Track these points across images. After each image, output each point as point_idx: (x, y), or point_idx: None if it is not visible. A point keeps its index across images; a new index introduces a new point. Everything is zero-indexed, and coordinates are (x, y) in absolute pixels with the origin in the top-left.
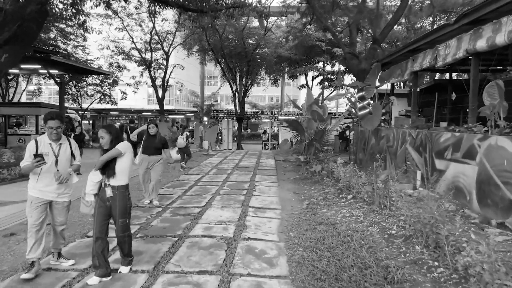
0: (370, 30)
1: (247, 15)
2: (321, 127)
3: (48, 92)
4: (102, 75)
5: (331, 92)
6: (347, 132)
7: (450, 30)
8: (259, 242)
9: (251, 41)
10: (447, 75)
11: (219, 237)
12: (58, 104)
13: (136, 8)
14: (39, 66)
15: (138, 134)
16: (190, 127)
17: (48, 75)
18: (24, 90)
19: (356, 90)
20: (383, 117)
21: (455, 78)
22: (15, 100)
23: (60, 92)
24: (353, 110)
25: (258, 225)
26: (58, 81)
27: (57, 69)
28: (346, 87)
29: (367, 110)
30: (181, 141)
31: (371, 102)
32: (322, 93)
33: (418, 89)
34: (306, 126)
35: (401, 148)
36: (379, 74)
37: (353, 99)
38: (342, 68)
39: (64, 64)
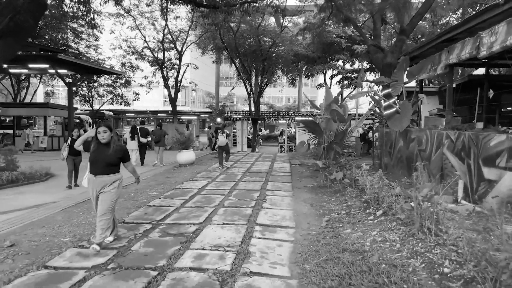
0: (395, 23)
1: (263, 11)
2: (341, 128)
3: (65, 93)
4: (114, 75)
5: (351, 92)
6: (369, 134)
7: (498, 12)
8: (264, 279)
9: (266, 39)
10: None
11: (211, 270)
12: (66, 105)
13: (147, 5)
14: (47, 66)
15: (85, 141)
16: (206, 129)
17: (56, 75)
18: (36, 91)
19: (381, 87)
20: (411, 117)
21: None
22: (27, 101)
23: (69, 93)
24: (377, 109)
25: (265, 251)
26: (68, 81)
27: (66, 68)
28: (369, 84)
29: (394, 109)
30: (222, 139)
31: (398, 100)
32: (341, 93)
33: (444, 88)
34: (324, 127)
35: (437, 152)
36: (407, 69)
37: (377, 97)
38: (365, 64)
39: (72, 64)
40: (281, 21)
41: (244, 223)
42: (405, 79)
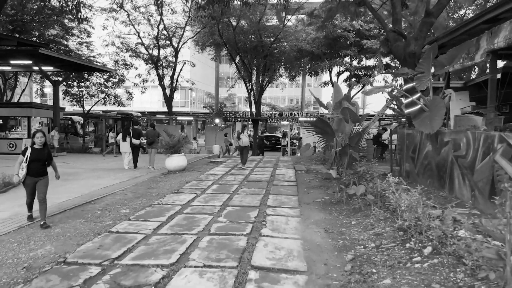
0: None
1: (264, 2)
2: (357, 129)
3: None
4: (106, 74)
5: (359, 90)
6: (383, 135)
7: None
8: None
9: (268, 34)
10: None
11: None
12: (52, 104)
13: None
14: (30, 62)
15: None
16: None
17: (40, 72)
18: (24, 90)
19: (402, 80)
20: None
21: None
22: (16, 101)
23: (54, 92)
24: (395, 107)
25: None
26: (57, 79)
27: (51, 65)
28: (386, 77)
29: (418, 106)
30: (246, 139)
31: (424, 96)
32: (349, 91)
33: (475, 82)
34: (336, 128)
35: (484, 160)
36: (436, 59)
37: (395, 92)
38: (383, 59)
39: (58, 60)
40: (283, 14)
41: (234, 265)
42: (433, 70)
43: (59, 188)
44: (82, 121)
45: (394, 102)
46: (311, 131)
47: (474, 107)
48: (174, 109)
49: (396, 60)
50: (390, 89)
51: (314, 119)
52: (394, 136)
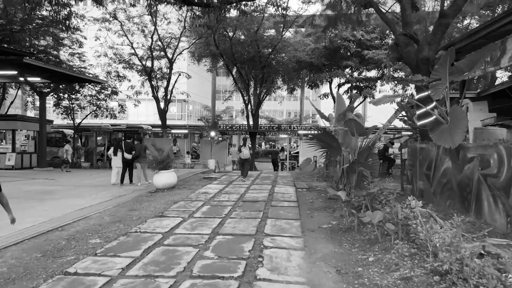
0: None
1: (262, 11)
2: (366, 143)
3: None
4: (99, 85)
5: (360, 103)
6: (389, 150)
7: None
8: None
9: (266, 44)
10: None
11: None
12: (38, 117)
13: (132, 5)
14: (15, 72)
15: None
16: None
17: (26, 83)
18: (12, 102)
19: (413, 90)
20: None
21: None
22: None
23: (40, 104)
24: (405, 118)
25: None
26: (47, 90)
27: (38, 76)
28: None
29: (433, 118)
30: (246, 152)
31: (440, 106)
32: (352, 102)
33: (490, 92)
34: (341, 141)
35: None
36: (453, 65)
37: (405, 101)
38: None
39: (45, 70)
40: (281, 26)
41: None
42: (449, 78)
43: (27, 211)
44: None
45: (404, 113)
46: (314, 145)
47: (498, 118)
48: (171, 122)
49: (400, 70)
50: (400, 99)
51: (316, 131)
52: (405, 151)
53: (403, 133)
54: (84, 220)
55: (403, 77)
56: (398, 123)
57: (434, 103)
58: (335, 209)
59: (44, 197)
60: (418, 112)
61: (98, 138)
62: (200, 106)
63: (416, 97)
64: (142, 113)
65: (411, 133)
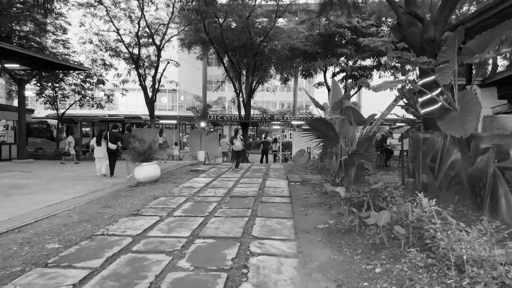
0: None
1: None
2: (366, 132)
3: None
4: (83, 73)
5: (355, 92)
6: (387, 141)
7: None
8: None
9: (258, 30)
10: None
11: None
12: (16, 106)
13: None
14: None
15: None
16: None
17: (3, 70)
18: None
19: (417, 73)
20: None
21: None
22: None
23: (19, 92)
24: (405, 105)
25: None
26: (27, 78)
27: (17, 62)
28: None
29: (439, 104)
30: (239, 143)
31: (446, 92)
32: (349, 91)
33: (496, 79)
34: (339, 131)
35: None
36: (463, 46)
37: (408, 88)
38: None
39: (23, 56)
40: (274, 14)
41: None
42: (458, 60)
43: None
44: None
45: (405, 101)
46: (309, 135)
47: (510, 105)
48: (162, 113)
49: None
50: (401, 85)
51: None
52: (406, 141)
53: (397, 124)
54: (48, 219)
55: (404, 63)
56: (399, 112)
57: (439, 89)
58: (332, 206)
59: (12, 192)
60: (421, 99)
61: (87, 129)
62: (191, 97)
63: (420, 82)
64: (132, 104)
65: (406, 123)
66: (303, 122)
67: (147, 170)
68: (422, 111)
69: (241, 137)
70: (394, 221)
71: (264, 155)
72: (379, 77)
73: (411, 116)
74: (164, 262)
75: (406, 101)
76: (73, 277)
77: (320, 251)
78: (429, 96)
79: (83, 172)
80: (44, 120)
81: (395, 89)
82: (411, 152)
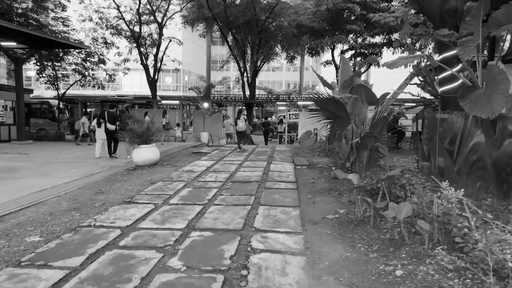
0: None
1: None
2: (381, 113)
3: (29, 74)
4: (84, 52)
5: (365, 71)
6: (400, 122)
7: None
8: None
9: (263, 6)
10: None
11: None
12: (14, 85)
13: None
14: None
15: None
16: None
17: None
18: None
19: (434, 48)
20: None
21: None
22: None
23: (16, 71)
24: (421, 83)
25: None
26: (17, 56)
27: (13, 40)
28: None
29: (459, 82)
30: (242, 124)
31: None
32: (359, 69)
33: None
34: (350, 111)
35: None
36: (490, 16)
37: (424, 63)
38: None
39: (18, 33)
40: None
41: None
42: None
43: None
44: (60, 105)
45: (421, 78)
46: (317, 115)
47: None
48: (166, 93)
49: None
50: (417, 61)
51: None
52: (422, 122)
53: (405, 104)
54: (34, 207)
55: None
56: (413, 91)
57: (460, 65)
58: (342, 192)
59: (4, 176)
60: (440, 76)
61: (91, 110)
62: (196, 77)
63: (439, 57)
64: (136, 84)
65: (420, 103)
66: (310, 103)
67: (145, 153)
68: (440, 90)
69: (245, 117)
70: (415, 213)
71: (265, 136)
72: (393, 53)
73: (427, 95)
74: (153, 260)
75: (421, 79)
76: (46, 279)
77: (331, 247)
78: (448, 72)
79: (81, 154)
80: (46, 100)
81: (409, 66)
82: (426, 134)
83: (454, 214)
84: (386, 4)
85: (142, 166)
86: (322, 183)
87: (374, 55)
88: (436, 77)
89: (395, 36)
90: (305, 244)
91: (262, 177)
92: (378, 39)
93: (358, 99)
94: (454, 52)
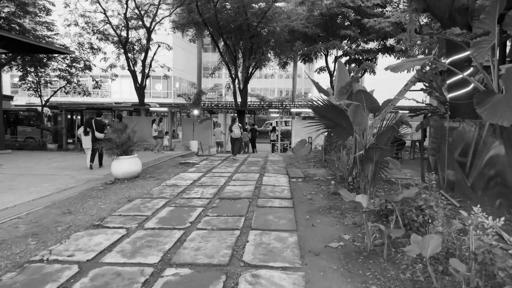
0: None
1: None
2: (387, 122)
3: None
4: (69, 58)
5: (360, 76)
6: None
7: None
8: None
9: (255, 11)
10: None
11: None
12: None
13: None
14: None
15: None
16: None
17: None
18: None
19: (437, 52)
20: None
21: None
22: None
23: None
24: (427, 88)
25: None
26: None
27: None
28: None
29: (470, 87)
30: (237, 131)
31: (483, 71)
32: (356, 74)
33: None
34: (352, 119)
35: None
36: (506, 14)
37: (427, 68)
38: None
39: None
40: None
41: None
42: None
43: None
44: (49, 113)
45: (427, 84)
46: (315, 124)
47: None
48: (156, 101)
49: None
50: (422, 64)
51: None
52: (428, 130)
53: (400, 111)
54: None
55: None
56: (416, 97)
57: (472, 68)
58: (344, 212)
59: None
60: (449, 81)
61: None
62: (187, 84)
63: (448, 60)
64: (126, 91)
65: (424, 110)
66: (303, 110)
67: (125, 165)
68: (449, 96)
69: (240, 124)
70: (444, 249)
71: (252, 143)
72: (398, 58)
73: (434, 102)
74: None
75: (426, 84)
76: None
77: None
78: (459, 77)
79: (59, 165)
80: (34, 108)
81: (412, 70)
82: (433, 143)
83: (500, 253)
84: (380, 9)
85: (121, 180)
86: (321, 200)
87: (369, 61)
88: (444, 82)
89: (397, 40)
90: (306, 285)
91: (254, 193)
92: (373, 45)
93: (360, 107)
94: (465, 54)
